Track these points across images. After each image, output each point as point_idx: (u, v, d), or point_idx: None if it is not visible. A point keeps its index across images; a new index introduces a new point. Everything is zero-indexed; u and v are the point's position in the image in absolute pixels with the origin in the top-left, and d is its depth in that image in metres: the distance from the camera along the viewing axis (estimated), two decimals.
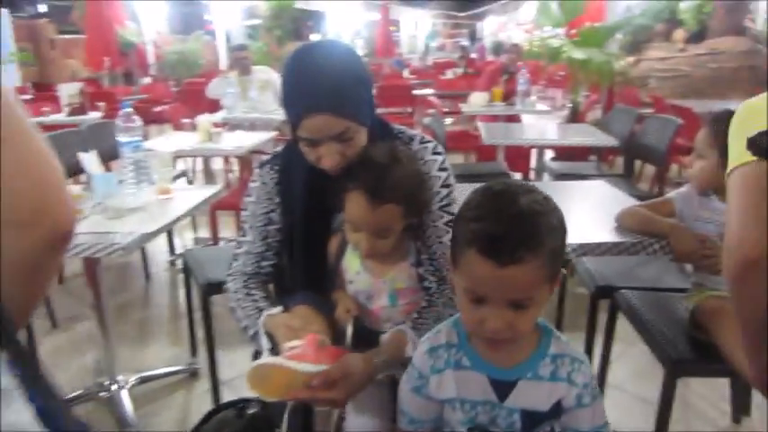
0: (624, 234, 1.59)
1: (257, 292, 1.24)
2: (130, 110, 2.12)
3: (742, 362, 1.34)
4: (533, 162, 4.26)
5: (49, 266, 0.63)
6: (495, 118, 5.19)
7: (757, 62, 6.44)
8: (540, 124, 4.90)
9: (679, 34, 6.80)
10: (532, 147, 3.78)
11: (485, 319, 0.82)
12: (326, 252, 1.25)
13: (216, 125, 3.54)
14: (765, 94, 1.07)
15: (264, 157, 1.29)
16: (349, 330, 1.16)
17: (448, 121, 8.59)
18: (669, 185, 4.26)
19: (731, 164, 1.02)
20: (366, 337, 1.18)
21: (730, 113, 1.47)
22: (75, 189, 2.23)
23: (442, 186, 1.20)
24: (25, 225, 0.58)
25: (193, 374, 2.41)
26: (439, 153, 1.22)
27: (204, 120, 3.42)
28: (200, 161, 5.04)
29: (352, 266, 1.20)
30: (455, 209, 1.20)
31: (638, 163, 4.15)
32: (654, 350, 1.58)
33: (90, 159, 2.18)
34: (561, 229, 0.83)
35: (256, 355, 1.40)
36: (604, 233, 1.61)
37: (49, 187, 0.60)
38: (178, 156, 3.76)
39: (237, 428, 1.43)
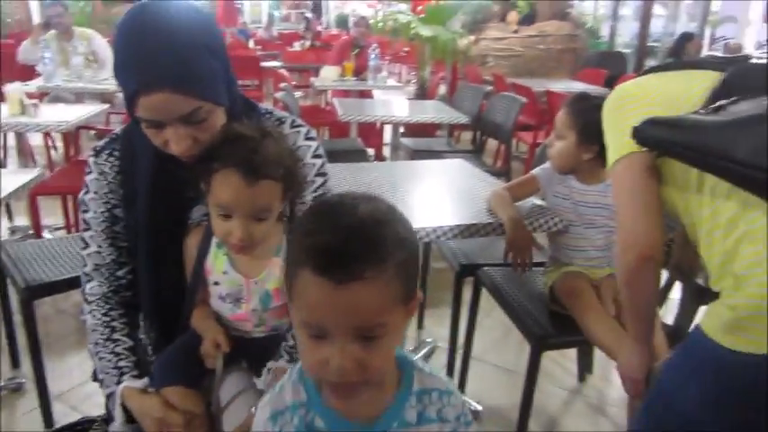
0: (480, 215, 1.60)
1: (119, 336, 1.06)
2: None
3: (602, 339, 1.43)
4: (387, 138, 4.28)
5: None
6: (346, 93, 5.13)
7: (578, 45, 7.13)
8: (392, 100, 4.94)
9: (512, 16, 7.28)
10: (389, 123, 3.77)
11: (328, 359, 0.64)
12: (181, 252, 1.08)
13: (31, 96, 3.03)
14: (636, 79, 1.11)
15: (100, 143, 1.07)
16: (219, 367, 1.03)
17: (297, 94, 8.40)
18: (516, 160, 4.57)
19: (614, 154, 1.05)
20: (234, 346, 1.04)
21: (587, 96, 1.55)
22: None
23: (317, 175, 1.09)
24: None
25: (16, 390, 2.05)
26: (312, 138, 1.10)
27: (15, 89, 2.91)
28: (11, 137, 4.33)
29: (218, 266, 1.05)
30: None
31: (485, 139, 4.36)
32: (518, 326, 1.64)
33: None
34: (410, 240, 0.68)
35: (95, 373, 1.19)
36: (470, 214, 1.62)
37: None
38: None
39: None
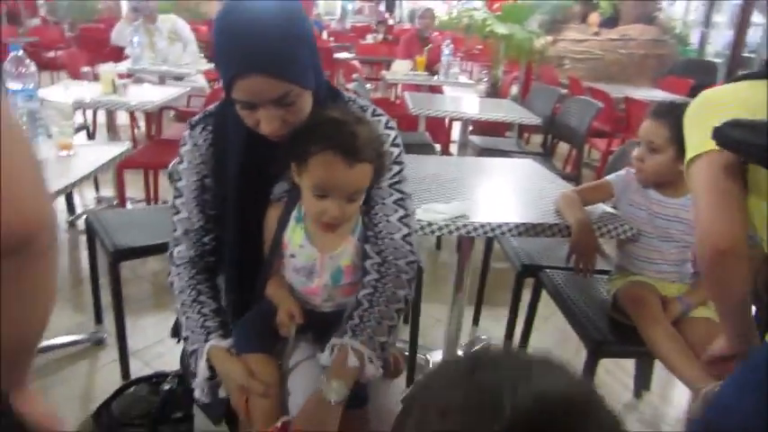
0: (546, 216, 1.60)
1: (205, 299, 1.14)
2: (21, 53, 1.86)
3: (667, 354, 1.41)
4: (455, 135, 4.29)
5: (19, 278, 0.50)
6: (417, 87, 5.16)
7: (664, 51, 6.82)
8: (463, 97, 4.93)
9: (594, 18, 7.05)
10: (459, 119, 3.78)
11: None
12: (262, 225, 1.15)
13: (120, 76, 3.23)
14: (724, 85, 1.09)
15: (195, 117, 1.16)
16: (291, 336, 1.09)
17: (367, 86, 8.49)
18: (585, 166, 4.47)
19: (691, 152, 1.03)
20: (305, 321, 1.11)
21: (677, 105, 1.50)
22: None
23: (394, 163, 1.13)
24: None
25: (98, 344, 2.23)
26: (392, 127, 1.15)
27: (108, 70, 3.11)
28: (101, 114, 4.63)
29: (295, 239, 1.11)
30: (406, 187, 1.14)
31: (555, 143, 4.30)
32: (576, 330, 1.63)
33: None
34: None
35: (175, 331, 1.29)
36: (536, 214, 1.62)
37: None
38: (78, 107, 3.42)
39: (152, 406, 1.33)
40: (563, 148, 4.59)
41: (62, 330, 2.26)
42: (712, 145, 0.97)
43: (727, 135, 0.90)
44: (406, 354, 2.08)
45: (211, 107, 1.16)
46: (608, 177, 1.69)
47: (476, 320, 2.57)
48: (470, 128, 4.83)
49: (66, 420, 1.68)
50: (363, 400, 1.10)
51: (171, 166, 1.71)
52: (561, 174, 3.08)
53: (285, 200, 1.14)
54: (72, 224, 3.34)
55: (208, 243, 1.18)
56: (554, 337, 2.43)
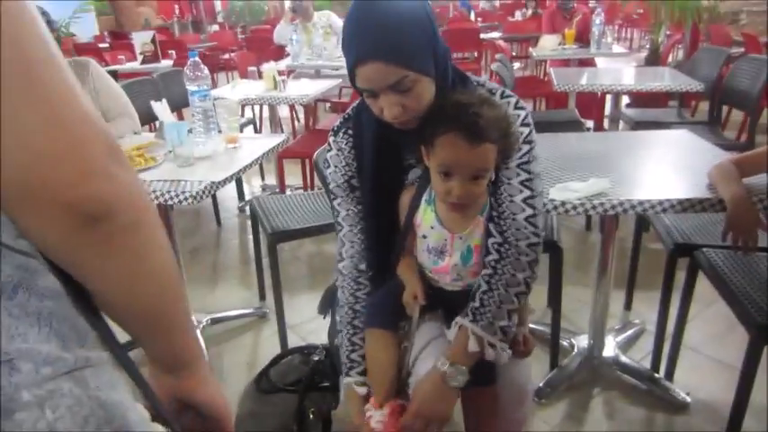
0: (708, 190, 1.47)
1: (359, 323, 1.22)
2: (197, 59, 2.13)
3: None
4: (608, 109, 4.03)
5: (99, 248, 0.48)
6: (567, 62, 4.92)
7: None
8: (616, 68, 4.60)
9: None
10: (606, 93, 3.56)
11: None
12: (397, 209, 1.22)
13: (281, 73, 3.53)
14: None
15: (336, 123, 1.25)
16: (415, 316, 1.15)
17: (516, 65, 8.26)
18: (760, 133, 3.94)
19: None
20: (433, 296, 1.17)
21: None
22: (148, 137, 2.30)
23: (524, 143, 1.12)
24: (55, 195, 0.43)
25: (262, 317, 2.50)
26: (522, 108, 1.14)
27: (269, 68, 3.42)
28: (266, 109, 5.09)
29: (426, 220, 1.16)
30: (535, 167, 1.13)
31: (723, 109, 3.84)
32: (738, 314, 1.49)
33: (161, 108, 2.24)
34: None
35: (322, 307, 1.42)
36: (685, 188, 1.50)
37: (90, 147, 0.45)
38: (245, 104, 3.81)
39: (303, 374, 1.47)
40: (737, 115, 4.09)
41: (232, 305, 2.58)
42: None
43: None
44: (548, 338, 2.05)
45: (350, 110, 1.24)
46: None
47: (628, 305, 2.43)
48: (627, 101, 4.51)
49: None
50: (492, 379, 1.14)
51: (316, 154, 1.87)
52: (730, 144, 2.78)
53: (417, 183, 1.19)
54: (242, 210, 3.75)
55: (364, 242, 1.26)
56: (718, 324, 2.22)
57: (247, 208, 3.62)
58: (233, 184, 3.76)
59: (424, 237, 1.17)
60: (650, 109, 4.03)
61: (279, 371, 1.51)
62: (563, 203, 1.44)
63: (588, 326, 2.08)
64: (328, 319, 1.43)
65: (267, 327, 2.44)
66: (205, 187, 1.72)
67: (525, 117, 1.13)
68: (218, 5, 12.29)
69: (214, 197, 3.57)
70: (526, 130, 1.13)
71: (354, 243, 1.24)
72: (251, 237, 2.71)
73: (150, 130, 2.84)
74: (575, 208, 1.44)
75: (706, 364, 2.07)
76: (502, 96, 1.15)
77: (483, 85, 1.17)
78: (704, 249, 1.74)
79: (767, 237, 1.50)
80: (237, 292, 2.77)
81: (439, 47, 1.06)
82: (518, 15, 8.99)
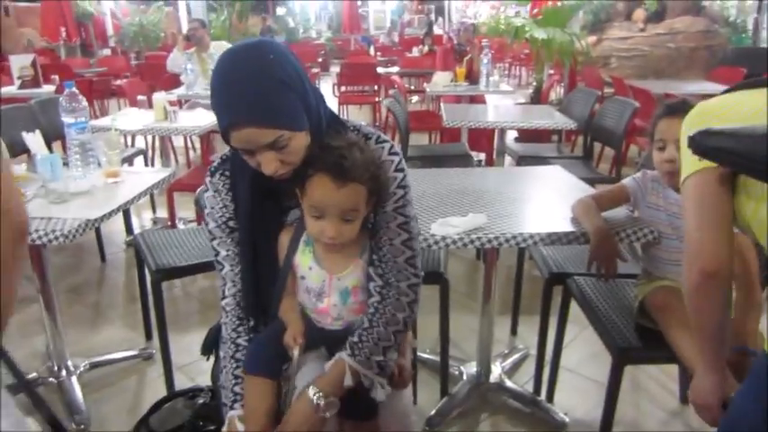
0: (572, 223, 1.60)
1: (241, 356, 1.20)
2: (75, 90, 2.03)
3: (688, 356, 1.38)
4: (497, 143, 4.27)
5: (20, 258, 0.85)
6: (459, 98, 5.18)
7: (714, 42, 6.57)
8: (503, 105, 4.91)
9: (639, 14, 6.87)
10: (491, 128, 3.79)
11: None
12: (276, 251, 1.21)
13: (172, 103, 3.44)
14: (721, 96, 1.08)
15: (214, 164, 1.23)
16: (295, 358, 1.15)
17: (414, 99, 8.57)
18: (629, 166, 4.34)
19: (685, 171, 1.04)
20: (315, 335, 1.18)
21: (687, 102, 1.47)
22: (18, 169, 2.14)
23: (398, 187, 1.15)
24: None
25: (147, 359, 2.37)
26: (395, 153, 1.18)
27: (160, 97, 3.32)
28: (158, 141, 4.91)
29: (305, 261, 1.17)
30: (410, 211, 1.17)
31: (599, 144, 4.21)
32: (602, 337, 1.61)
33: (33, 139, 2.09)
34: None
35: (205, 348, 1.38)
36: (558, 221, 1.63)
37: (12, 182, 0.81)
38: (134, 134, 3.65)
39: (186, 418, 1.41)
40: (610, 150, 4.49)
41: (115, 347, 2.42)
42: (700, 164, 0.98)
43: (703, 144, 0.90)
44: (435, 364, 2.10)
45: (227, 151, 1.22)
46: (624, 181, 1.67)
47: (513, 330, 2.56)
48: (515, 135, 4.79)
49: None
50: (373, 413, 1.16)
51: (197, 191, 1.82)
52: (600, 177, 3.03)
53: (296, 225, 1.20)
54: (129, 244, 3.56)
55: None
56: (593, 345, 2.38)
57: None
58: (120, 218, 3.57)
59: (303, 278, 1.18)
60: (534, 144, 4.34)
61: (160, 417, 1.44)
62: (443, 238, 1.51)
63: (476, 353, 2.16)
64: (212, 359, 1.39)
65: (153, 369, 2.31)
66: (79, 225, 1.62)
67: (399, 162, 1.17)
68: (110, 29, 11.75)
69: (98, 231, 3.37)
70: (400, 176, 1.16)
71: (236, 282, 1.23)
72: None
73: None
74: (454, 242, 1.51)
75: (583, 385, 2.22)
76: (377, 141, 1.18)
77: (359, 130, 1.20)
78: (575, 277, 1.88)
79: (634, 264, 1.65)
80: (121, 332, 2.61)
81: (310, 98, 1.07)
82: (415, 51, 9.37)
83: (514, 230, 1.53)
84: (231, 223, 1.22)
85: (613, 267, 1.54)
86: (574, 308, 1.96)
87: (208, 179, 1.23)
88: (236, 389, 1.18)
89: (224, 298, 1.24)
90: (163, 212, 3.89)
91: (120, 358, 2.34)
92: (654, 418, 2.05)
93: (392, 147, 1.19)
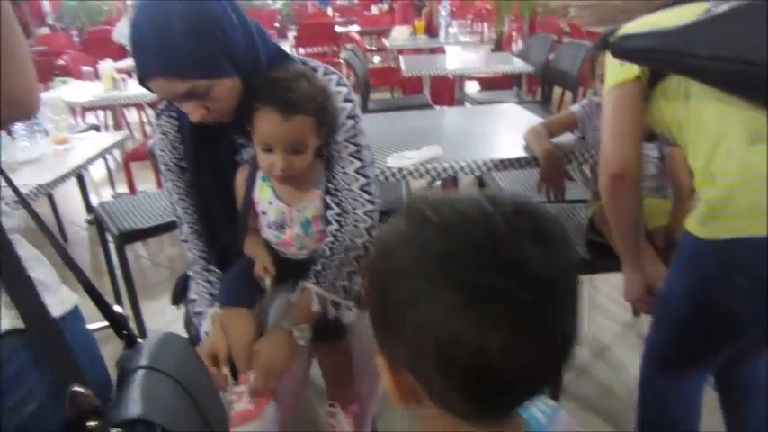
0: (524, 150, 1.63)
1: (213, 268, 1.22)
2: None
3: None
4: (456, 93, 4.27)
5: None
6: (419, 51, 5.14)
7: None
8: (463, 55, 4.88)
9: None
10: (450, 76, 3.78)
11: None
12: (230, 190, 1.21)
13: (120, 71, 3.33)
14: (641, 17, 1.12)
15: (161, 106, 1.21)
16: (268, 287, 1.17)
17: (376, 60, 8.48)
18: None
19: (607, 85, 1.10)
20: (282, 267, 1.19)
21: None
22: None
23: (348, 118, 1.16)
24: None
25: None
26: (344, 85, 1.17)
27: (107, 66, 3.21)
28: (110, 117, 4.78)
29: (264, 196, 1.17)
30: (361, 140, 1.18)
31: (558, 92, 4.24)
32: None
33: None
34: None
35: (175, 298, 1.37)
36: (511, 149, 1.65)
37: (31, 69, 0.69)
38: (86, 108, 3.55)
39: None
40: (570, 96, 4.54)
41: (86, 320, 2.39)
42: (621, 77, 1.06)
43: (622, 47, 0.96)
44: None
45: None
46: (572, 107, 1.71)
47: None
48: (478, 88, 4.80)
49: None
50: (340, 334, 1.19)
51: (150, 142, 1.79)
52: None
53: (251, 161, 1.19)
54: (90, 222, 3.48)
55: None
56: None
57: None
58: (79, 197, 3.49)
59: (264, 213, 1.18)
60: (494, 91, 4.35)
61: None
62: (400, 170, 1.52)
63: None
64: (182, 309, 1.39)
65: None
66: (30, 191, 1.59)
67: (348, 93, 1.17)
68: (47, 6, 11.18)
69: (55, 211, 3.29)
70: (349, 106, 1.16)
71: (191, 224, 1.23)
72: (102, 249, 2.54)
73: None
74: (410, 173, 1.52)
75: None
76: (325, 73, 1.18)
77: (306, 64, 1.19)
78: None
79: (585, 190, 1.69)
80: (90, 305, 2.57)
81: (238, 43, 1.03)
82: (374, 10, 9.24)
83: (468, 159, 1.54)
84: (183, 164, 1.20)
85: (562, 188, 1.58)
86: None
87: (156, 122, 1.21)
88: (214, 291, 1.19)
89: (182, 234, 1.24)
90: (123, 188, 3.81)
91: (92, 330, 2.32)
92: (609, 331, 2.15)
93: (340, 78, 1.18)
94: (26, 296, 0.62)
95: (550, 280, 0.42)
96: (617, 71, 1.07)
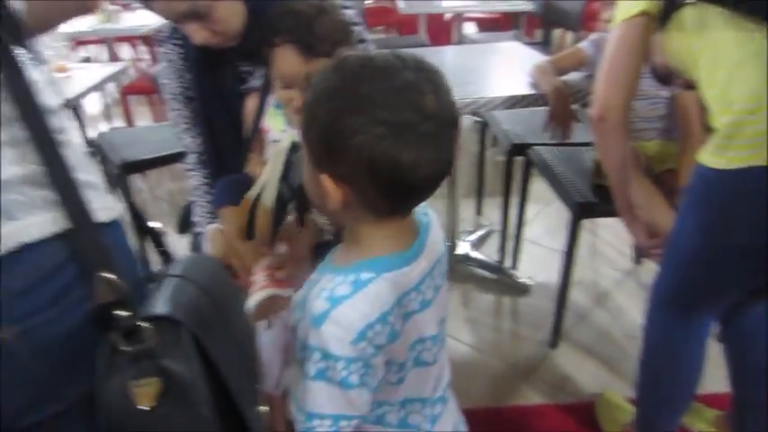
0: (531, 87, 1.63)
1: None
2: None
3: (641, 204, 1.48)
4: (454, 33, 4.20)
5: None
6: None
7: None
8: None
9: None
10: (447, 13, 3.72)
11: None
12: (235, 118, 1.20)
13: (114, 2, 3.24)
14: None
15: (165, 33, 1.19)
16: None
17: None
18: None
19: (615, 19, 1.09)
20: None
21: None
22: None
23: (358, 42, 1.15)
24: None
25: None
26: (347, 7, 1.17)
27: None
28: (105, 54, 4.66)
29: (277, 125, 1.16)
30: None
31: (557, 36, 4.18)
32: (561, 197, 1.70)
33: None
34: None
35: (181, 227, 1.40)
36: (516, 86, 1.65)
37: None
38: (78, 41, 3.46)
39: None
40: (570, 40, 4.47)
41: None
42: (626, 14, 1.04)
43: None
44: None
45: None
46: (580, 44, 1.69)
47: (478, 210, 2.66)
48: (476, 29, 4.69)
49: None
50: None
51: (156, 69, 1.77)
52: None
53: (262, 89, 1.19)
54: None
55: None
56: (556, 219, 2.49)
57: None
58: (76, 132, 3.45)
59: (276, 141, 1.17)
60: (492, 32, 4.28)
61: None
62: None
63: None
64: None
65: None
66: None
67: (360, 33, 1.15)
68: None
69: None
70: (358, 29, 1.16)
71: (199, 154, 1.24)
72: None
73: None
74: None
75: (545, 254, 2.34)
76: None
77: None
78: (535, 147, 1.93)
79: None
80: None
81: None
82: None
83: (473, 96, 1.55)
84: (190, 93, 1.20)
85: (569, 128, 1.59)
86: (536, 186, 2.04)
87: (160, 50, 1.20)
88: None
89: (188, 163, 1.25)
90: (119, 123, 3.77)
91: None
92: (609, 278, 2.21)
93: (353, 15, 1.17)
94: (71, 197, 0.60)
95: (443, 117, 0.61)
96: (624, 7, 1.06)
